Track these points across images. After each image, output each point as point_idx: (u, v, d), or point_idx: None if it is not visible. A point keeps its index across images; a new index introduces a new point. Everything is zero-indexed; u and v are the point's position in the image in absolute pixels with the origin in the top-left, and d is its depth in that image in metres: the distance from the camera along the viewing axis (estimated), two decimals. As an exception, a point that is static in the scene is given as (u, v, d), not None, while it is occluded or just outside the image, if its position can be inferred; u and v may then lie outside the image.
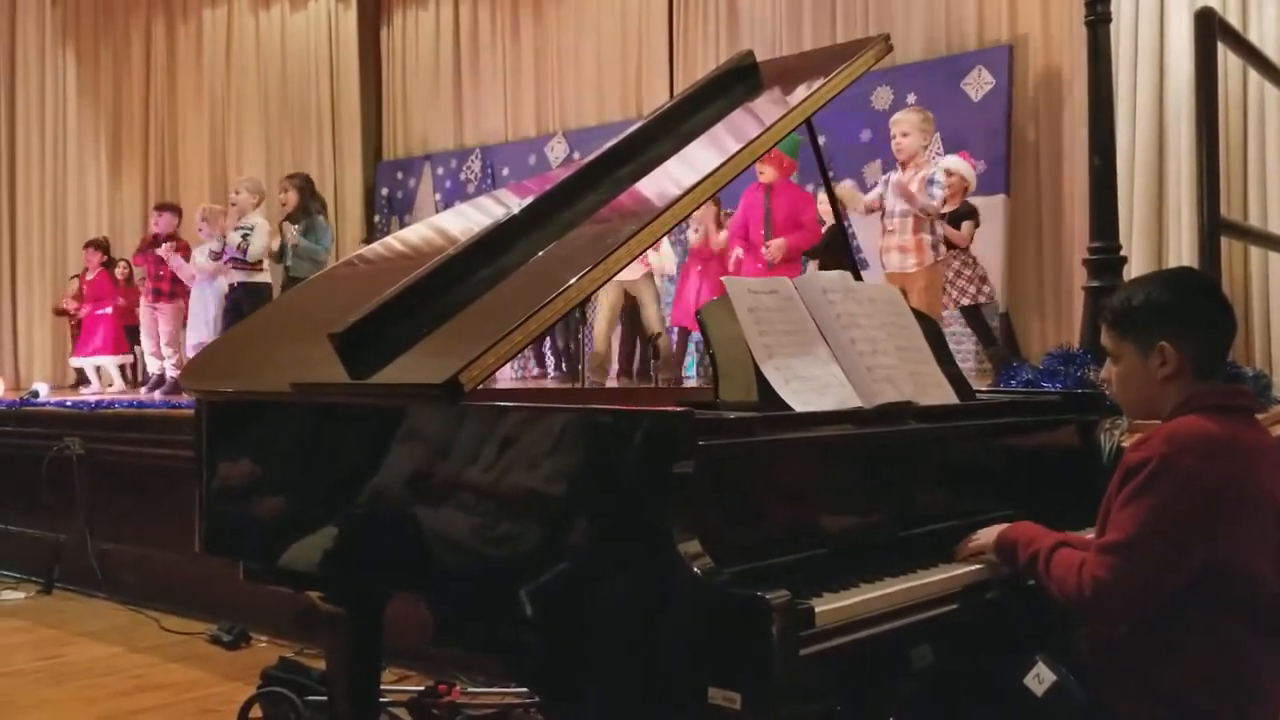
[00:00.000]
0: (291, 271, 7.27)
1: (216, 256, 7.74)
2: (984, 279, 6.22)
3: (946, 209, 5.84)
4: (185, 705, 4.12)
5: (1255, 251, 4.87)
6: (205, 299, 8.02)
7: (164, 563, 5.59)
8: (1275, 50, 4.60)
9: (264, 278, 7.64)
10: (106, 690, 4.32)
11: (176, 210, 8.78)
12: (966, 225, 6.04)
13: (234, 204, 7.81)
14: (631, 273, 6.96)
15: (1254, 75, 4.60)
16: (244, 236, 7.45)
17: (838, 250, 5.47)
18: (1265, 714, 2.09)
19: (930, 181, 5.35)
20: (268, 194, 8.05)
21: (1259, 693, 2.06)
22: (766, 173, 6.07)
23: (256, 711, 3.50)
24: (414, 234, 3.24)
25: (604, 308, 7.32)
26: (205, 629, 5.03)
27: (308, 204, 7.43)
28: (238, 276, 7.59)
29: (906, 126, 5.46)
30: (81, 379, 9.66)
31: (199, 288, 8.09)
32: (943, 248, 5.67)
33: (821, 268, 5.83)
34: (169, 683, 4.39)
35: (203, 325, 8.00)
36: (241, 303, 7.38)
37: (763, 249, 6.00)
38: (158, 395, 7.74)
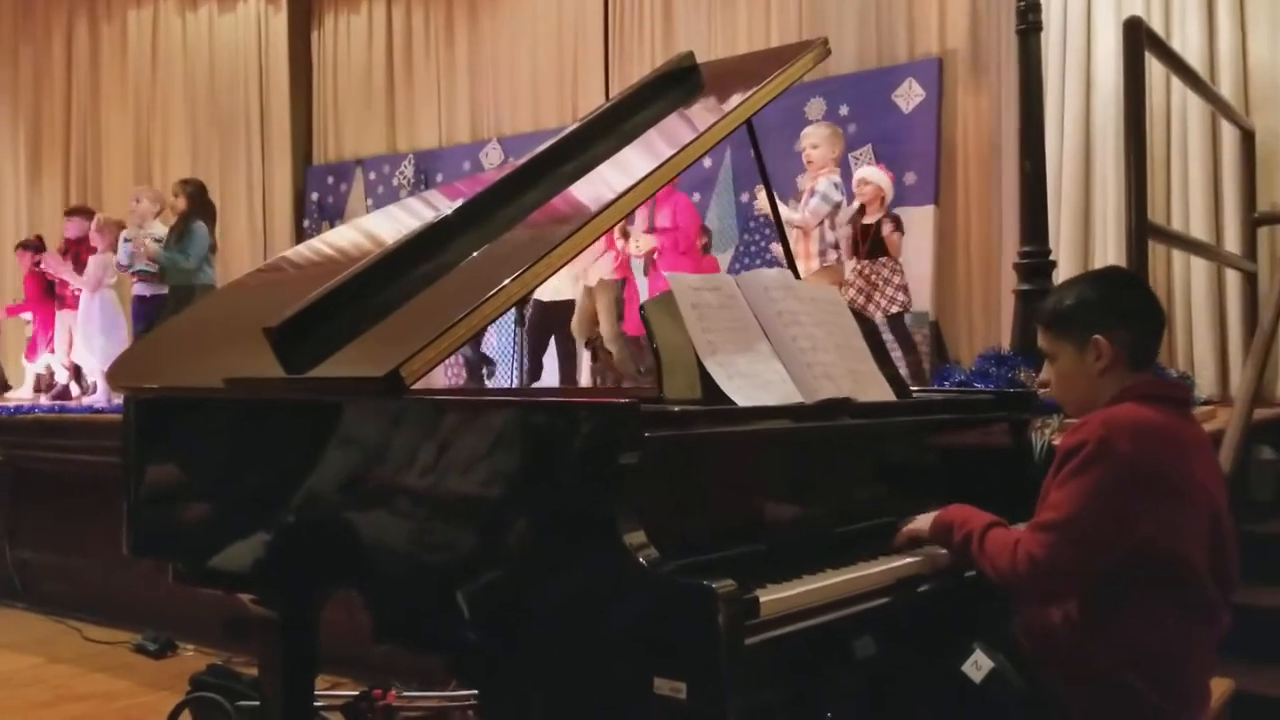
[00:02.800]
0: (170, 280, 7.18)
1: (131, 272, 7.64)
2: (906, 288, 6.36)
3: (867, 219, 5.97)
4: (109, 715, 4.03)
5: (1178, 257, 5.00)
6: (91, 312, 7.87)
7: (86, 572, 5.46)
8: (1198, 61, 4.72)
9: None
10: (27, 701, 4.20)
11: (88, 213, 8.59)
12: (895, 236, 6.16)
13: (133, 211, 7.66)
14: (591, 278, 7.00)
15: (1177, 84, 4.72)
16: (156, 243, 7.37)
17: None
18: (1193, 693, 2.15)
19: (812, 193, 5.57)
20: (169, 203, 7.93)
21: (1187, 672, 2.12)
22: None
23: (186, 718, 3.42)
24: (341, 237, 3.19)
25: (576, 311, 7.27)
26: (130, 639, 4.93)
27: (191, 211, 7.26)
28: (143, 289, 7.46)
29: (816, 139, 5.69)
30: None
31: (86, 300, 7.93)
32: (833, 253, 5.89)
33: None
34: (92, 693, 4.29)
35: (82, 339, 7.87)
36: (151, 316, 7.30)
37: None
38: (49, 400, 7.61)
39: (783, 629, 1.81)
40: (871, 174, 6.22)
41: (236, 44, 11.42)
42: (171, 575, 2.60)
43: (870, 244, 5.92)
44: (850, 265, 6.02)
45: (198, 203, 7.33)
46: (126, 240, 7.50)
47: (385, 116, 11.05)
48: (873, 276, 5.93)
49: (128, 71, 11.53)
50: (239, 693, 3.35)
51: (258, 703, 3.11)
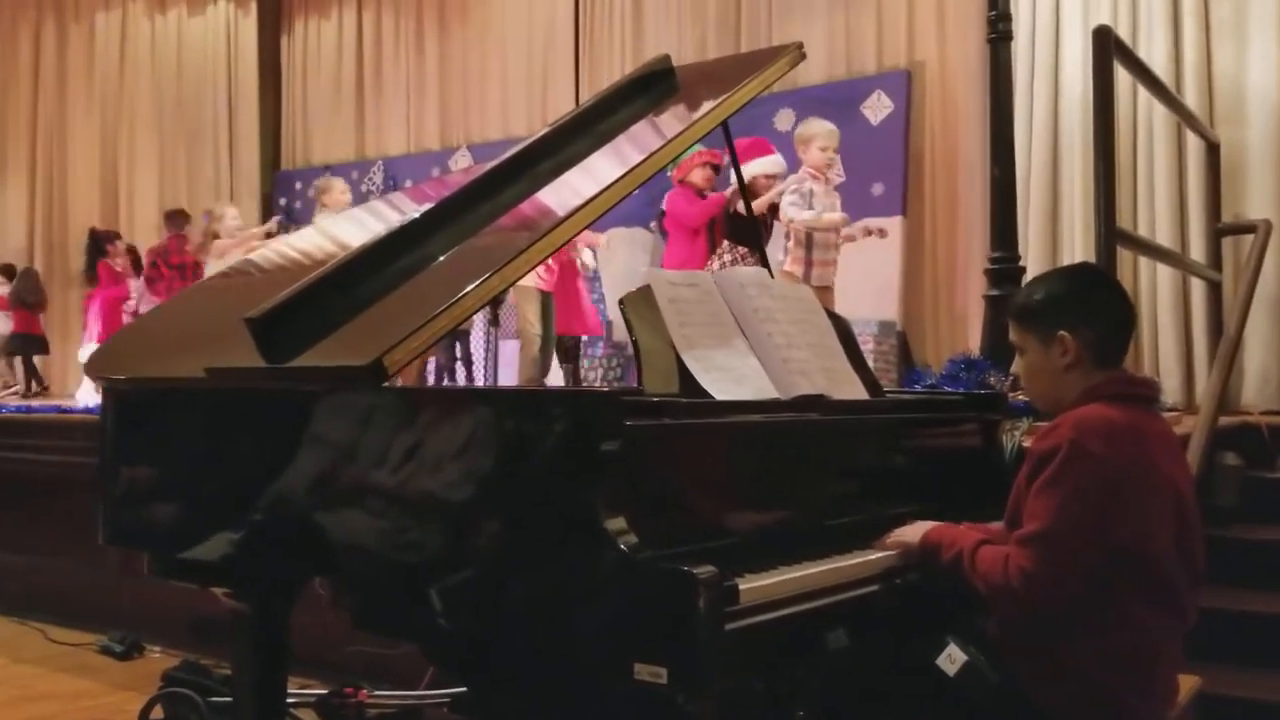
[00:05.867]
0: None
1: None
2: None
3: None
4: (75, 714, 3.98)
5: (1144, 265, 5.07)
6: None
7: (51, 572, 5.41)
8: (1164, 72, 4.80)
9: None
10: (-11, 701, 4.16)
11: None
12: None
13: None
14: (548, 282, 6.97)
15: (1144, 94, 4.80)
16: None
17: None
18: (1164, 689, 2.18)
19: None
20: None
21: (1157, 669, 2.15)
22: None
23: (158, 713, 3.40)
24: (305, 240, 3.19)
25: (534, 319, 7.10)
26: (95, 640, 4.87)
27: None
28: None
29: (835, 141, 5.47)
30: None
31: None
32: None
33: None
34: (57, 693, 4.24)
35: None
36: None
37: None
38: None
39: (761, 616, 1.84)
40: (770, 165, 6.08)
41: (205, 48, 11.37)
42: (147, 568, 2.58)
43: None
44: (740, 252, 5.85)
45: None
46: None
47: (354, 122, 11.03)
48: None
49: (95, 74, 11.43)
50: (211, 689, 3.34)
51: (229, 699, 3.11)
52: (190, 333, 2.82)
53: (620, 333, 7.96)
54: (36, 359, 10.34)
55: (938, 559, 2.20)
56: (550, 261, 6.88)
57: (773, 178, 5.47)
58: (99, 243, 9.44)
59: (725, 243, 5.70)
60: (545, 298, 7.03)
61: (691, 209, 5.97)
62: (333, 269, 2.39)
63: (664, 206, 6.30)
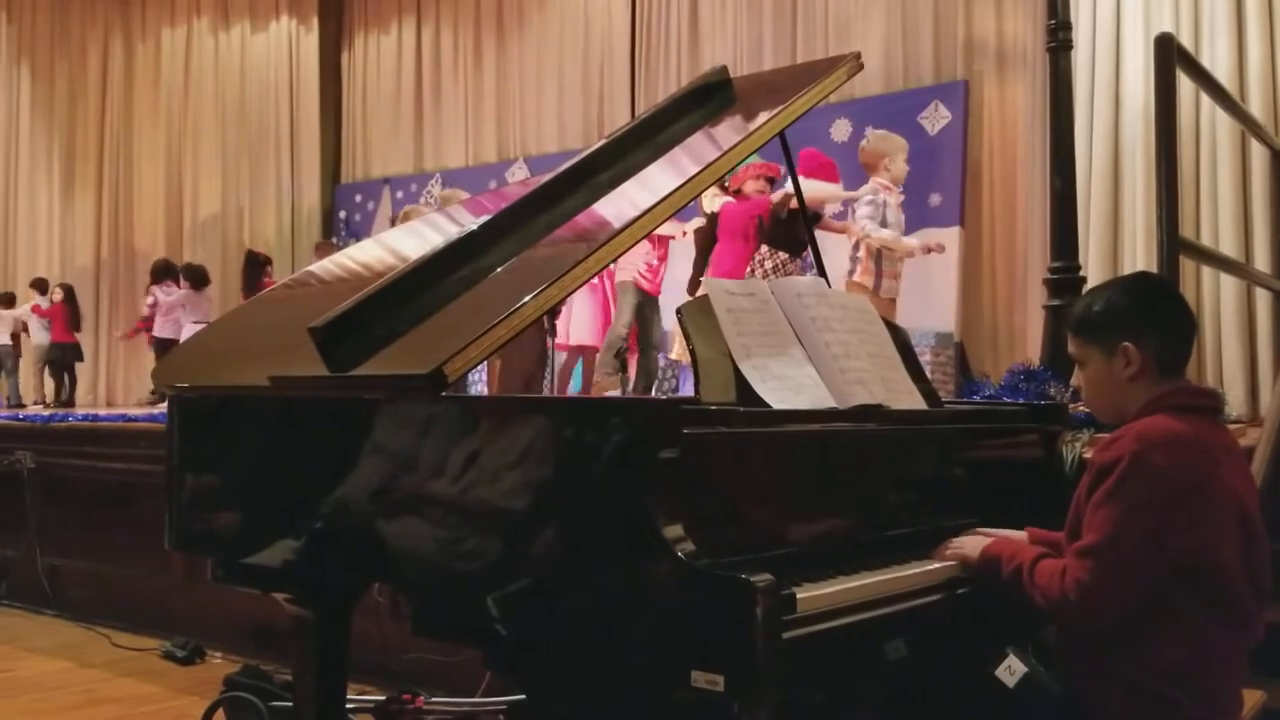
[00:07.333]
0: None
1: None
2: None
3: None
4: (139, 718, 4.06)
5: (1208, 275, 4.99)
6: None
7: (116, 579, 5.52)
8: (1227, 79, 4.73)
9: None
10: (56, 704, 4.24)
11: None
12: None
13: None
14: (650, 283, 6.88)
15: (1206, 101, 4.73)
16: None
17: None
18: (1227, 704, 2.14)
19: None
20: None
21: (1222, 682, 2.11)
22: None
23: (220, 717, 3.46)
24: (365, 252, 3.22)
25: (626, 310, 6.88)
26: (158, 645, 4.97)
27: None
28: None
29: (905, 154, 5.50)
30: None
31: None
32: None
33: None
34: (121, 697, 4.33)
35: None
36: None
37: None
38: None
39: (819, 625, 1.83)
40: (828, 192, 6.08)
41: (268, 63, 11.59)
42: (210, 574, 2.63)
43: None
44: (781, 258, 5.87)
45: None
46: None
47: (413, 136, 11.17)
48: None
49: (160, 90, 11.69)
50: (272, 693, 3.39)
51: (290, 704, 3.15)
52: (254, 343, 2.88)
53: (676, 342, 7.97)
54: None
55: (997, 573, 2.17)
56: (654, 260, 6.82)
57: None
58: (260, 264, 9.64)
59: (764, 248, 5.70)
60: (644, 299, 6.92)
61: (734, 210, 6.01)
62: (394, 279, 2.42)
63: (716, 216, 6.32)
